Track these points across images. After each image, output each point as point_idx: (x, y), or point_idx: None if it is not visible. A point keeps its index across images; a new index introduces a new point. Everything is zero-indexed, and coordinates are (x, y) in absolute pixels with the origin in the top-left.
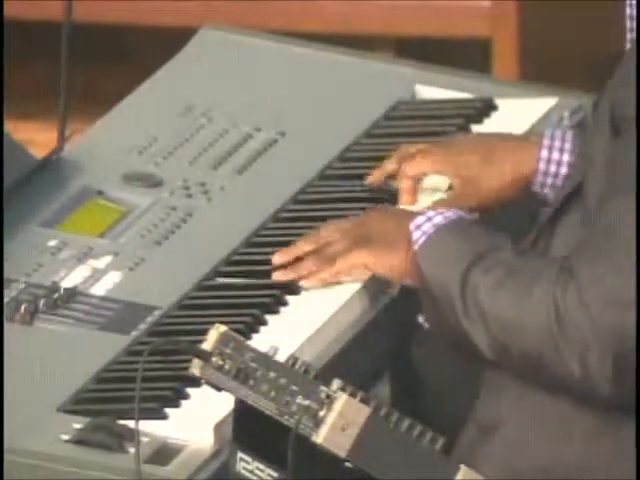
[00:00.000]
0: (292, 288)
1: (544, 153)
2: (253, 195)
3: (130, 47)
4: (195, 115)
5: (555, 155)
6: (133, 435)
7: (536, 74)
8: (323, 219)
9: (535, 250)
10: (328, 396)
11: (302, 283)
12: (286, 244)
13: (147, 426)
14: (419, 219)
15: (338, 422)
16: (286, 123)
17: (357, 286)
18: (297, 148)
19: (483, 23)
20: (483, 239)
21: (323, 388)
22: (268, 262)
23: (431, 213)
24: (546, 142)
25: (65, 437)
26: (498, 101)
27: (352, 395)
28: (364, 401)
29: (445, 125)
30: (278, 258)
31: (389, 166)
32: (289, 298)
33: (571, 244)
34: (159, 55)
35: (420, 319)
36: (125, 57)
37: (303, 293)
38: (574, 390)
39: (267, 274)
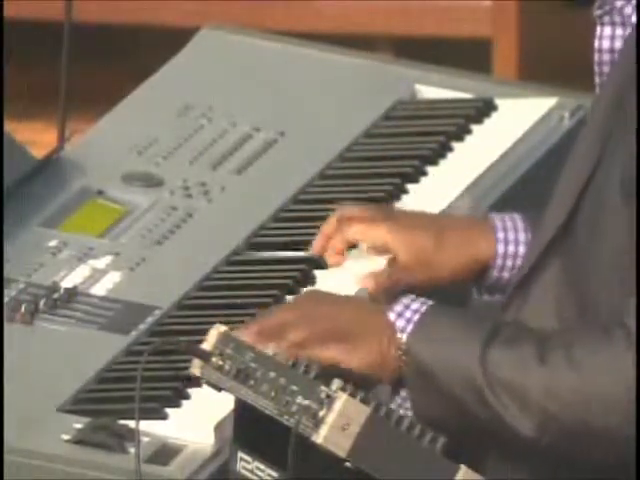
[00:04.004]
0: (292, 292)
1: (500, 234)
2: (253, 195)
3: (130, 47)
4: (195, 115)
5: (511, 235)
6: (133, 435)
7: (536, 74)
8: (323, 219)
9: (507, 311)
10: (328, 396)
11: None
12: (286, 244)
13: (147, 426)
14: (397, 307)
15: (338, 422)
16: (286, 123)
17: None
18: (297, 148)
19: (483, 23)
20: (475, 318)
21: (323, 388)
22: (268, 262)
23: (406, 300)
24: (498, 223)
25: (65, 437)
26: (498, 101)
27: (352, 395)
28: (364, 401)
29: (445, 125)
30: None
31: (327, 230)
32: (290, 299)
33: (550, 300)
34: (159, 55)
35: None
36: (125, 57)
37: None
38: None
39: (267, 274)
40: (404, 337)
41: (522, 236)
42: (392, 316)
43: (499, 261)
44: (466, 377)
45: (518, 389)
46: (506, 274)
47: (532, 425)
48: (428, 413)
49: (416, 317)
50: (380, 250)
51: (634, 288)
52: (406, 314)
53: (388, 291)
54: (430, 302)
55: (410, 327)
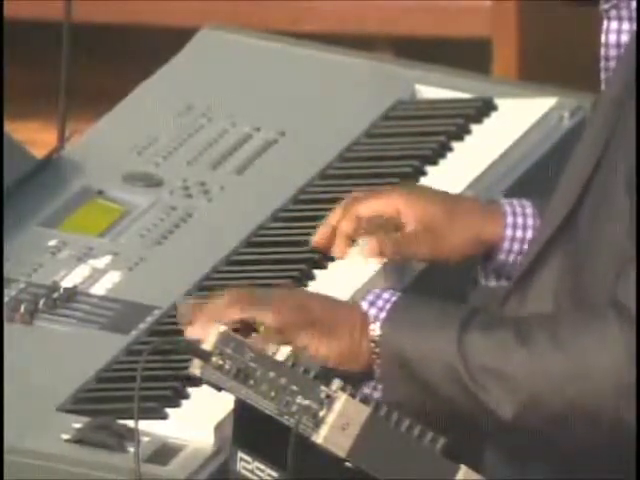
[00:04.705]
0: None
1: (509, 219)
2: (253, 195)
3: (130, 47)
4: (195, 115)
5: (519, 220)
6: (133, 435)
7: (536, 74)
8: (323, 219)
9: (507, 305)
10: (328, 396)
11: None
12: (286, 244)
13: (147, 426)
14: (369, 297)
15: (338, 422)
16: (286, 123)
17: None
18: (297, 148)
19: (483, 23)
20: (446, 306)
21: (323, 388)
22: (268, 262)
23: (376, 290)
24: (508, 208)
25: (65, 437)
26: (498, 101)
27: (352, 395)
28: (364, 401)
29: (445, 125)
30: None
31: (333, 220)
32: None
33: (550, 295)
34: (159, 55)
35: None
36: (125, 57)
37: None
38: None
39: (267, 274)
40: (377, 324)
41: (530, 221)
42: (365, 305)
43: (506, 244)
44: (444, 363)
45: (498, 373)
46: (512, 257)
47: (514, 408)
48: (400, 400)
49: (388, 305)
50: (389, 222)
51: (629, 267)
52: (378, 303)
53: (391, 260)
54: (396, 292)
55: (383, 314)
